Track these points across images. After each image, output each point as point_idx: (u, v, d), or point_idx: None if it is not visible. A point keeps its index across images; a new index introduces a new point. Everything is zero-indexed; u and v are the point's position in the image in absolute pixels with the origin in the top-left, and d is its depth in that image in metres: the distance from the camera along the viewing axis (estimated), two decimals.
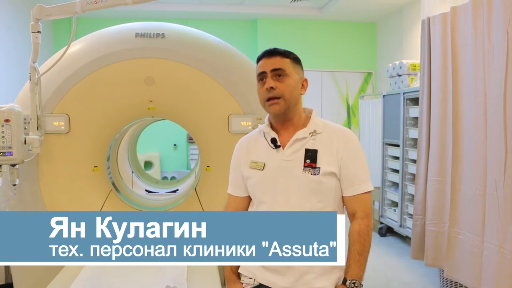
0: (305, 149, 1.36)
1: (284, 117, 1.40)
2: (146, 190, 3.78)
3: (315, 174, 1.33)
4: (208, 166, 2.59)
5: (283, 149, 1.39)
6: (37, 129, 2.28)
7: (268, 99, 1.36)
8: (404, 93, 3.74)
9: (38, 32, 2.20)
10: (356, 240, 1.36)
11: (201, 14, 5.74)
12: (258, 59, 1.42)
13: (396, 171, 4.00)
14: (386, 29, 5.89)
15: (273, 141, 1.40)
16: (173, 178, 6.04)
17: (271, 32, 5.92)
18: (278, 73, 1.36)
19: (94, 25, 3.22)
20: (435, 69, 2.71)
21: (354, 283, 1.31)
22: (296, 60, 1.42)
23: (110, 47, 2.38)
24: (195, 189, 2.68)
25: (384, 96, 4.19)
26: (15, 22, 4.61)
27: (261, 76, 1.38)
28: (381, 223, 4.26)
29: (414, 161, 3.44)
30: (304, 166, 1.35)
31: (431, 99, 2.77)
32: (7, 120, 2.16)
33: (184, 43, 2.44)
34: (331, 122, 1.46)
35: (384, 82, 5.69)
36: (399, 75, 4.16)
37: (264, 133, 1.45)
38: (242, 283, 1.45)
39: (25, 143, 2.24)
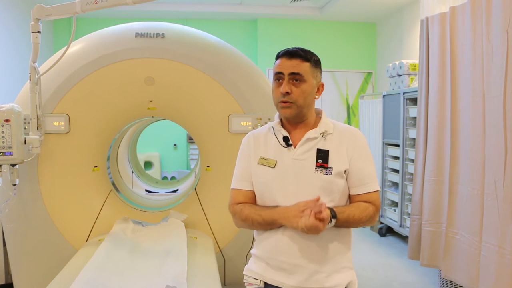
0: (317, 149, 1.36)
1: (295, 119, 1.40)
2: (146, 190, 3.78)
3: (327, 174, 1.33)
4: (208, 166, 2.59)
5: (294, 148, 1.38)
6: (37, 129, 2.28)
7: (281, 101, 1.36)
8: (404, 93, 3.74)
9: (38, 32, 2.20)
10: (360, 207, 1.33)
11: (201, 14, 5.74)
12: (277, 57, 1.39)
13: (396, 171, 4.00)
14: (386, 29, 5.88)
15: (285, 139, 1.39)
16: (173, 178, 6.04)
17: (271, 32, 5.92)
18: (295, 78, 1.34)
19: (94, 25, 3.23)
20: (433, 69, 2.71)
21: (333, 211, 1.27)
22: (316, 63, 1.39)
23: (110, 47, 2.38)
24: (195, 189, 2.69)
25: (384, 96, 4.19)
26: (15, 22, 4.61)
27: (278, 76, 1.37)
28: (381, 223, 4.25)
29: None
30: (316, 166, 1.34)
31: (429, 99, 2.78)
32: (7, 120, 2.16)
33: (184, 43, 2.44)
34: (340, 122, 1.46)
35: (384, 82, 5.69)
36: (399, 75, 4.16)
37: (274, 130, 1.44)
38: (245, 282, 1.44)
39: (25, 143, 2.24)
